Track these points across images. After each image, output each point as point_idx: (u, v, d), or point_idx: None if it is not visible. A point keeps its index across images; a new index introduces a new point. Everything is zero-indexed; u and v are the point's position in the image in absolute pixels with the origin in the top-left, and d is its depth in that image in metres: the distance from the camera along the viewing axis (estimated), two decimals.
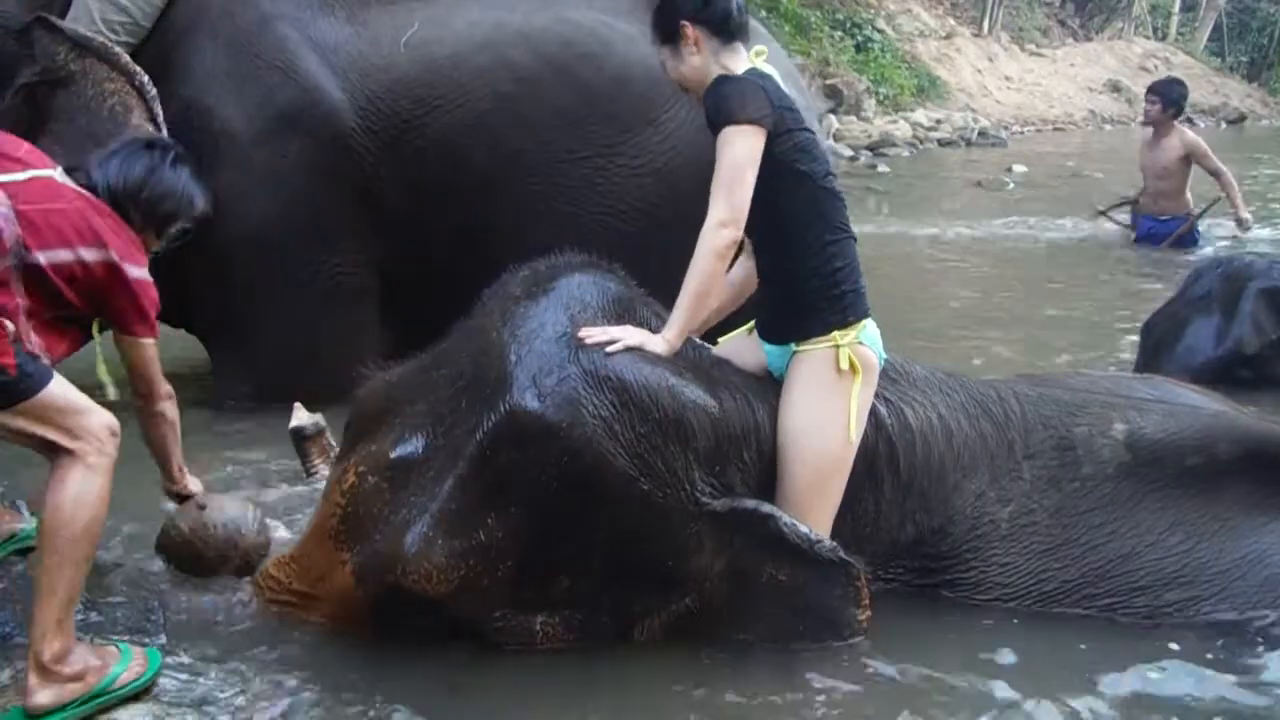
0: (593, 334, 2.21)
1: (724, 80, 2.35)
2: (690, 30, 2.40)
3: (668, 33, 2.44)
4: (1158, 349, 4.38)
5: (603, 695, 2.21)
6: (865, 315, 2.42)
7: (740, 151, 2.27)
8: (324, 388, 3.17)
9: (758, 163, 2.27)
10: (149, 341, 2.38)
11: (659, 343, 2.26)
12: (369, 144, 3.68)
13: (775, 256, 2.44)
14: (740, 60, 2.42)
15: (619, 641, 2.28)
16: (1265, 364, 4.15)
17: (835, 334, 2.35)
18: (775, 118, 2.31)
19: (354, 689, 2.22)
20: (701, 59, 2.41)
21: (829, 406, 2.33)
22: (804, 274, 2.37)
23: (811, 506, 2.32)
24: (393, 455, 2.26)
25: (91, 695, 2.06)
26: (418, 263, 3.79)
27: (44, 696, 2.01)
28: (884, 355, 2.45)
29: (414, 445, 2.25)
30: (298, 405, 3.12)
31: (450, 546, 2.16)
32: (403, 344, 2.59)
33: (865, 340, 2.39)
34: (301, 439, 2.99)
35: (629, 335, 2.23)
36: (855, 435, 2.34)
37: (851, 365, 2.34)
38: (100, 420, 2.11)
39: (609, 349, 2.19)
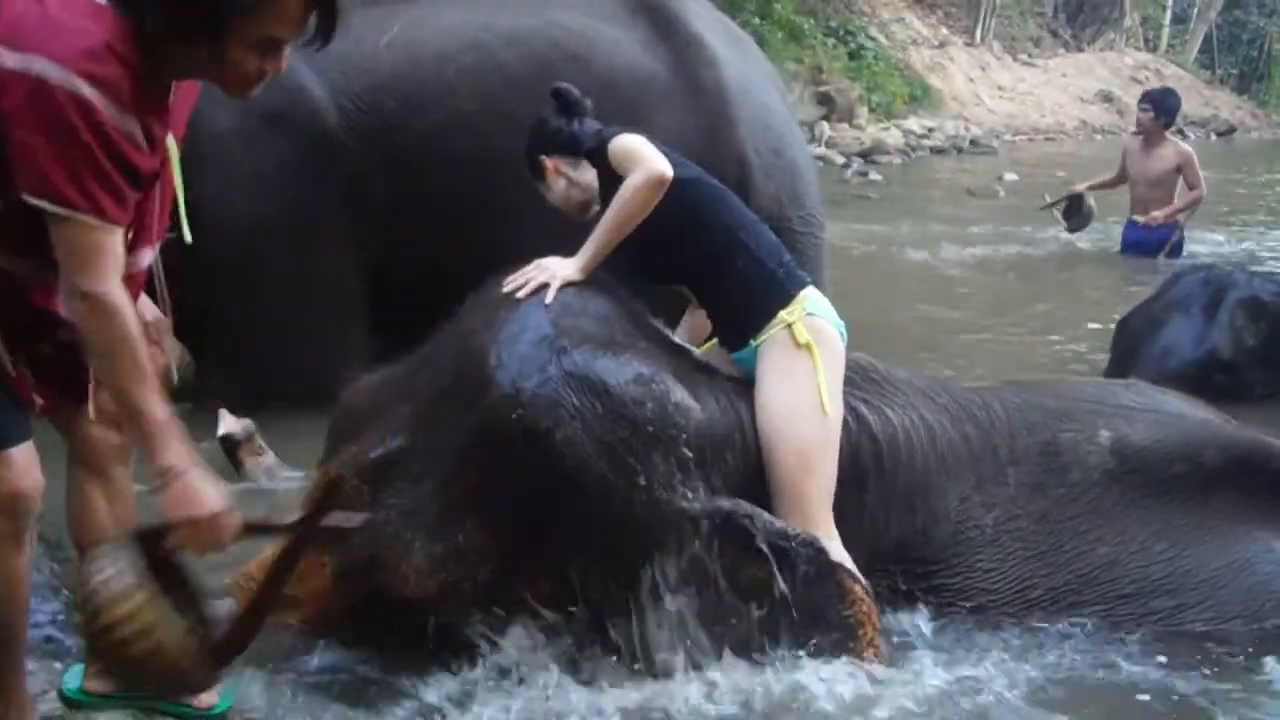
0: (511, 283, 2.30)
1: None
2: (548, 162, 2.60)
3: (532, 170, 2.64)
4: (1133, 347, 4.40)
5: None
6: (803, 285, 2.44)
7: (628, 139, 2.42)
8: (309, 389, 3.15)
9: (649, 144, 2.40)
10: (88, 222, 1.65)
11: (570, 267, 2.33)
12: (353, 143, 3.67)
13: (698, 267, 2.48)
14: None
15: (602, 646, 2.27)
16: (1240, 371, 4.19)
17: (781, 314, 2.37)
18: (644, 136, 2.47)
19: (335, 691, 2.21)
20: (565, 182, 2.59)
21: (797, 387, 2.33)
22: (730, 268, 2.42)
23: (802, 493, 2.30)
24: (373, 457, 2.24)
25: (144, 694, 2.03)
26: (406, 264, 3.78)
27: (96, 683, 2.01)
28: (841, 323, 2.45)
29: (395, 447, 2.23)
30: (223, 411, 3.13)
31: (430, 549, 2.14)
32: (392, 347, 2.57)
33: (814, 310, 2.40)
34: (231, 445, 2.99)
35: (540, 271, 2.30)
36: (830, 408, 2.33)
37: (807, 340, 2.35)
38: None
39: (520, 293, 2.26)
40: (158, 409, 1.73)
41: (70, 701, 2.03)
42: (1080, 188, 7.63)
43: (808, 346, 2.35)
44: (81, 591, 1.79)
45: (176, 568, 1.86)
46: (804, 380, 2.33)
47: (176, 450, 1.74)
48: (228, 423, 3.13)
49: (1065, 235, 7.75)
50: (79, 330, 1.73)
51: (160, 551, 1.80)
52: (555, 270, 2.31)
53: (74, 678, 2.07)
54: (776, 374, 2.35)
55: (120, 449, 2.01)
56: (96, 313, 1.68)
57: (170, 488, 1.74)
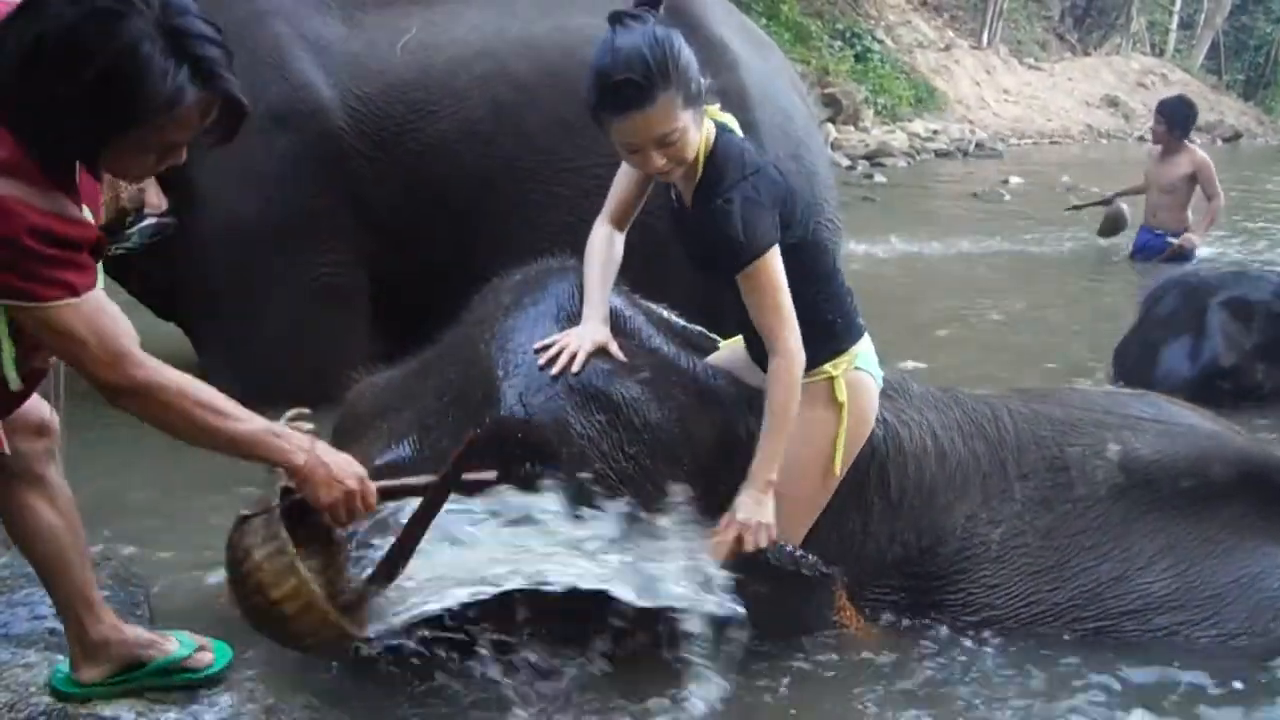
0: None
1: (746, 196, 2.13)
2: (680, 105, 2.08)
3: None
4: (1132, 376, 4.40)
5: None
6: (858, 337, 2.37)
7: (777, 275, 2.15)
8: (310, 388, 3.13)
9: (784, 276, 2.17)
10: (67, 303, 1.61)
11: (753, 482, 2.15)
12: (359, 145, 3.66)
13: None
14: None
15: (608, 654, 2.26)
16: (1242, 375, 4.21)
17: (826, 366, 2.31)
18: (776, 212, 2.17)
19: (339, 690, 2.21)
20: (692, 132, 2.13)
21: (815, 441, 2.29)
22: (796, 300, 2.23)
23: (783, 526, 2.26)
24: (378, 464, 2.23)
25: (146, 671, 2.05)
26: (413, 267, 3.77)
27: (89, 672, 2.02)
28: (879, 374, 2.41)
29: (400, 455, 2.22)
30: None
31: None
32: (399, 348, 2.56)
33: (861, 364, 2.35)
34: None
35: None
36: (840, 469, 2.31)
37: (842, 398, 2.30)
38: None
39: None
40: (252, 425, 1.78)
41: (62, 695, 2.02)
42: (1109, 194, 7.62)
43: (841, 406, 2.30)
44: (240, 566, 1.89)
45: (317, 528, 1.99)
46: (824, 438, 2.29)
47: (292, 445, 1.81)
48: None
49: (1068, 241, 7.77)
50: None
51: (302, 517, 1.93)
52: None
53: (63, 669, 2.06)
54: (802, 423, 2.25)
55: (46, 452, 1.98)
56: (145, 403, 1.70)
57: (307, 479, 1.83)
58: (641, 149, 2.11)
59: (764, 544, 2.14)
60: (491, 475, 2.06)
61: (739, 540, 2.14)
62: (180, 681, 2.08)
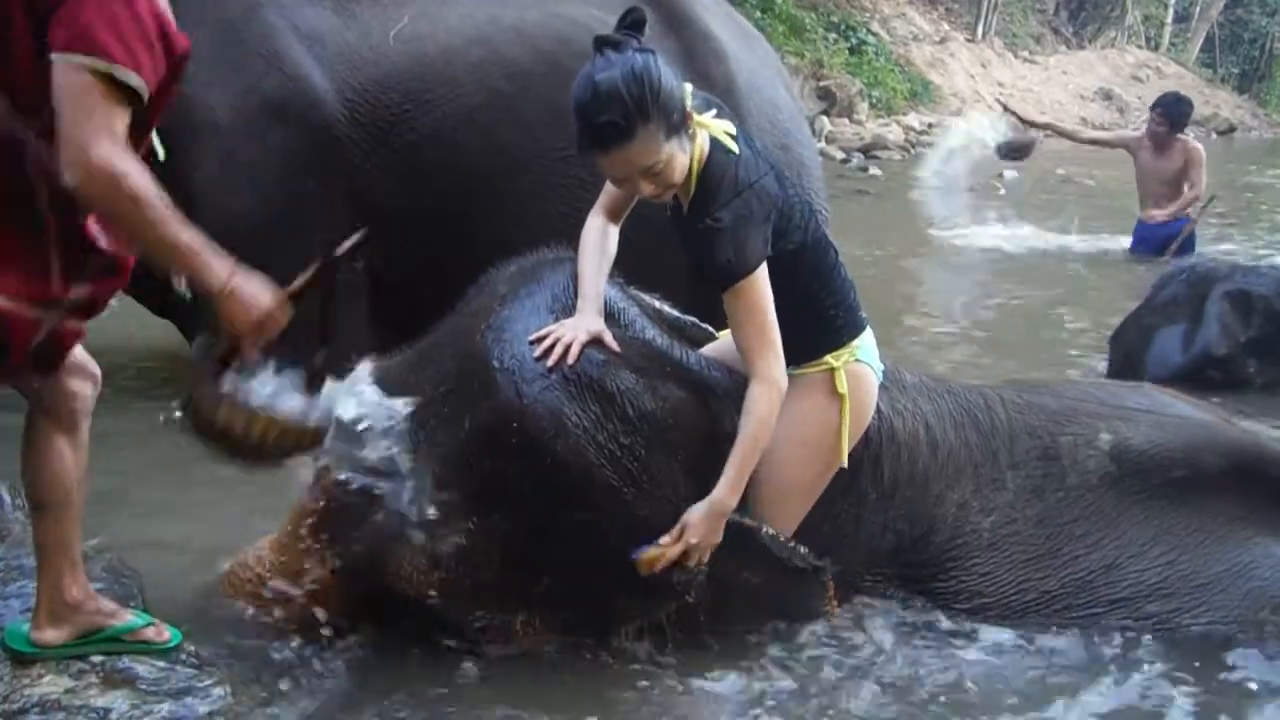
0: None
1: (737, 215, 2.14)
2: (654, 128, 2.07)
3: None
4: (1128, 358, 4.45)
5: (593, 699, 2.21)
6: (860, 331, 2.38)
7: (763, 296, 2.16)
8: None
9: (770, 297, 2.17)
10: (127, 72, 1.71)
11: (713, 507, 2.14)
12: (356, 136, 3.65)
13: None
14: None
15: (602, 640, 2.28)
16: (1234, 365, 4.24)
17: (828, 358, 2.32)
18: (769, 227, 2.18)
19: (334, 682, 2.21)
20: (681, 157, 2.14)
21: (814, 432, 2.30)
22: (791, 312, 2.24)
23: (777, 515, 2.30)
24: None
25: (102, 637, 2.09)
26: (407, 259, 3.76)
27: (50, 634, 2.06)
28: (880, 367, 2.41)
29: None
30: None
31: (432, 550, 2.14)
32: (392, 340, 2.56)
33: (861, 356, 2.35)
34: None
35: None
36: (843, 459, 2.31)
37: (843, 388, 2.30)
38: None
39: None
40: (185, 235, 1.83)
41: (10, 650, 2.06)
42: (1042, 120, 7.58)
43: (841, 398, 2.30)
44: (211, 414, 2.06)
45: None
46: (823, 429, 2.30)
47: (219, 266, 1.87)
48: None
49: (1064, 234, 7.77)
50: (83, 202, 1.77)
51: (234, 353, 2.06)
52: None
53: (20, 626, 2.09)
54: (800, 413, 2.27)
55: (89, 400, 2.04)
56: (101, 181, 1.71)
57: (229, 302, 1.89)
58: (628, 179, 2.15)
59: (704, 564, 2.16)
60: (359, 236, 2.16)
61: (682, 557, 2.14)
62: (136, 649, 2.14)
